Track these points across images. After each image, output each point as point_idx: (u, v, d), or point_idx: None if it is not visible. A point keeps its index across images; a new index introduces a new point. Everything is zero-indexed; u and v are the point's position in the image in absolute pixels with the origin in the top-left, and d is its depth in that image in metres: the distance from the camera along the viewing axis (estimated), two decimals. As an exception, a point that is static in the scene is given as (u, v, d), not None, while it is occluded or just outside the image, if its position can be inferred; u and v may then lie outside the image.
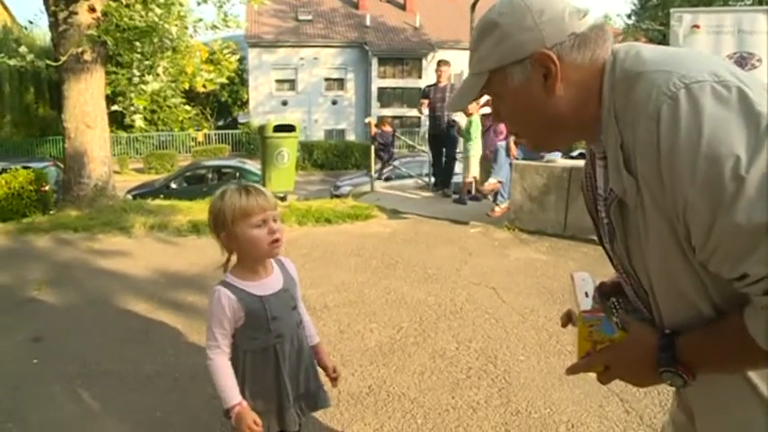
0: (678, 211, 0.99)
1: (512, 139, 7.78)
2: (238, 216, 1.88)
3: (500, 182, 7.42)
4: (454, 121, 8.92)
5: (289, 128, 8.35)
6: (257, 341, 1.96)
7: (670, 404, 1.48)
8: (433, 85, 9.19)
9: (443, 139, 9.22)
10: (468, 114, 8.30)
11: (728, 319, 1.04)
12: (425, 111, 9.16)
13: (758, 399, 1.09)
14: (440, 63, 9.21)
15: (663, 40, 20.60)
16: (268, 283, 1.99)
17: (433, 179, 10.11)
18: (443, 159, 9.46)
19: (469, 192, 8.66)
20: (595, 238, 1.35)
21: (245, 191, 1.92)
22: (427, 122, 9.67)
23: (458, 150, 9.36)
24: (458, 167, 9.66)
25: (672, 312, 1.13)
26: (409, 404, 3.11)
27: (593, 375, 1.34)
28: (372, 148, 11.22)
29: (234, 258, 1.99)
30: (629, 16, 30.03)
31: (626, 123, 1.04)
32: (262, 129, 8.57)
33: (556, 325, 4.12)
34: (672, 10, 7.04)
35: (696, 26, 6.38)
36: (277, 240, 1.91)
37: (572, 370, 1.29)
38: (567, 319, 1.49)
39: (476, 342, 3.87)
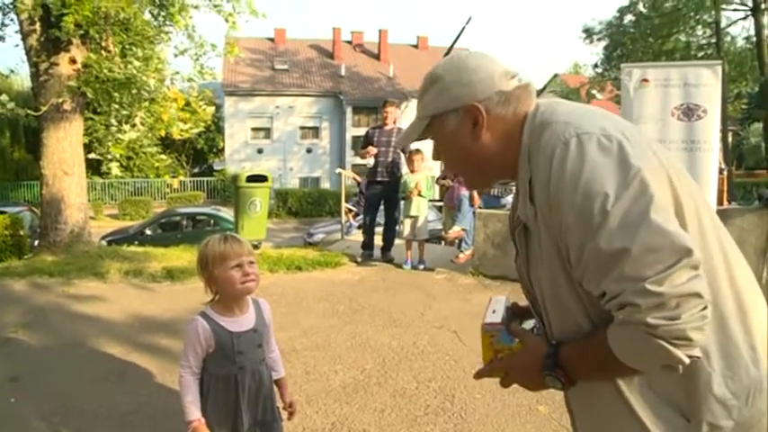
0: (561, 234, 1.21)
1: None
2: (217, 260, 2.23)
3: (464, 229, 7.73)
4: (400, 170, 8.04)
5: (261, 178, 8.63)
6: (222, 369, 2.26)
7: None
8: (378, 127, 8.17)
9: (388, 192, 8.02)
10: (413, 171, 7.87)
11: (598, 333, 1.22)
12: (371, 160, 7.92)
13: (623, 402, 1.27)
14: (386, 104, 8.24)
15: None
16: (241, 322, 2.30)
17: (362, 236, 8.44)
18: (386, 219, 8.22)
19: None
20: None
21: (224, 239, 2.27)
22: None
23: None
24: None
25: (558, 324, 1.35)
26: (369, 439, 3.33)
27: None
28: (342, 198, 11.41)
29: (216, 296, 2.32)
30: (595, 66, 31.35)
31: (535, 163, 1.28)
32: (235, 178, 8.84)
33: (510, 366, 4.39)
34: (622, 65, 7.44)
35: (645, 80, 6.73)
36: (250, 280, 2.23)
37: (477, 375, 1.53)
38: None
39: (435, 382, 4.11)
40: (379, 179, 8.00)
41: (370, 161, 7.92)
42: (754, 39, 21.60)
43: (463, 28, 23.42)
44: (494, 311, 1.56)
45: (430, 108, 1.43)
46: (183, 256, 7.83)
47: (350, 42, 41.88)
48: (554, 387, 1.35)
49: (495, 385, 3.95)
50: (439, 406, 3.75)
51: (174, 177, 18.07)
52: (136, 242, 12.63)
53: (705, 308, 1.11)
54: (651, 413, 1.25)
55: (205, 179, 34.18)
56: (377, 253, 8.26)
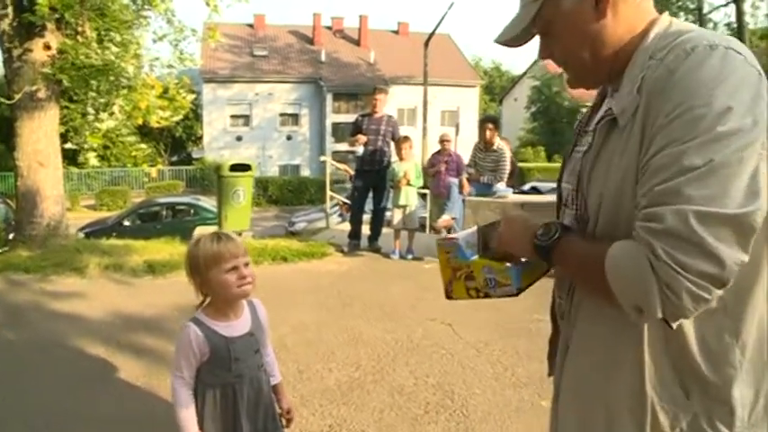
0: (654, 131, 1.07)
1: (464, 176, 8.02)
2: (211, 262, 2.04)
3: (454, 218, 7.61)
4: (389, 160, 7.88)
5: (244, 167, 8.42)
6: (218, 378, 2.08)
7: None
8: (367, 114, 7.96)
9: (376, 180, 7.88)
10: (401, 159, 7.72)
11: (605, 240, 1.11)
12: (360, 148, 7.71)
13: (636, 342, 1.17)
14: (376, 90, 8.04)
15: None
16: (236, 326, 2.12)
17: (350, 227, 8.33)
18: (374, 207, 8.09)
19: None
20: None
21: (216, 238, 2.08)
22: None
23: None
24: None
25: (608, 231, 1.19)
26: (369, 441, 3.18)
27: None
28: (327, 185, 11.28)
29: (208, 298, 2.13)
30: None
31: (656, 58, 1.13)
32: (218, 168, 8.62)
33: (510, 358, 4.29)
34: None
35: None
36: (247, 283, 2.06)
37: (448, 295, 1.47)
38: None
39: (433, 377, 3.97)
40: (367, 168, 7.85)
41: (360, 149, 7.72)
42: (735, 25, 21.68)
43: (445, 13, 23.16)
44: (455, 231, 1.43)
45: None
46: (165, 249, 7.60)
47: (330, 28, 41.52)
48: (537, 254, 1.24)
49: (494, 380, 3.89)
50: (439, 403, 3.61)
51: (152, 166, 17.71)
52: (114, 234, 12.39)
53: (710, 293, 0.98)
54: (654, 368, 1.16)
55: (184, 168, 33.81)
56: (364, 242, 8.12)
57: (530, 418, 3.42)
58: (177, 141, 37.53)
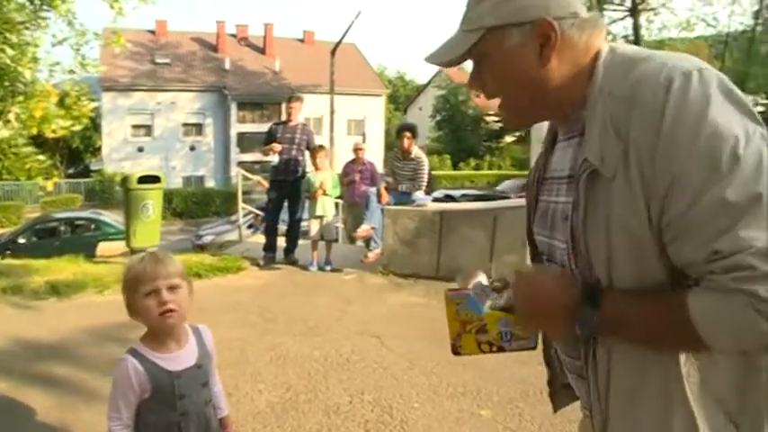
0: (664, 180, 1.01)
1: (382, 185, 7.96)
2: (131, 284, 1.82)
3: (373, 228, 7.52)
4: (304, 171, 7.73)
5: (154, 179, 8.01)
6: (161, 417, 1.85)
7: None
8: (282, 123, 7.88)
9: (291, 190, 7.71)
10: (317, 169, 7.61)
11: (672, 294, 1.04)
12: (275, 158, 7.49)
13: (678, 397, 1.10)
14: (292, 99, 7.94)
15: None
16: (180, 358, 1.88)
17: (265, 239, 8.01)
18: (289, 218, 7.92)
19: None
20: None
21: (141, 258, 1.86)
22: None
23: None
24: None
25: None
26: (309, 466, 3.02)
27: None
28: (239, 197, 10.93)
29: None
30: None
31: (620, 98, 1.07)
32: (125, 180, 8.16)
33: (444, 369, 4.22)
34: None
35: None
36: (166, 310, 1.80)
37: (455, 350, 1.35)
38: None
39: (368, 393, 3.84)
40: (281, 178, 7.65)
41: (274, 158, 7.51)
42: (632, 38, 22.94)
43: (353, 22, 23.17)
44: (472, 283, 1.34)
45: (486, 18, 1.17)
46: (68, 268, 7.09)
47: (234, 36, 40.77)
48: (580, 332, 1.12)
49: (432, 392, 3.80)
50: (378, 420, 3.48)
51: (47, 179, 16.63)
52: (8, 252, 11.56)
53: None
54: (705, 414, 1.09)
55: (82, 181, 32.15)
56: (279, 255, 7.91)
57: (470, 428, 3.36)
58: (74, 153, 35.65)
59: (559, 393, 1.48)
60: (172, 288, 1.81)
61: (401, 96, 62.45)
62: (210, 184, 35.17)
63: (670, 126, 1.00)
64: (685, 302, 1.00)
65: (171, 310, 1.80)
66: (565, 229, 1.20)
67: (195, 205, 28.91)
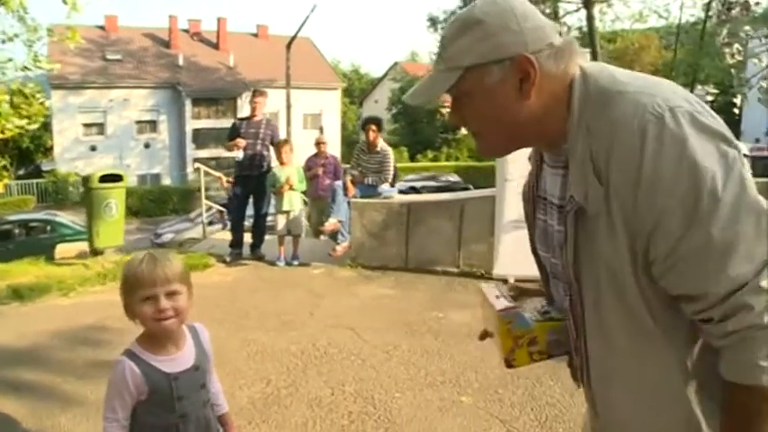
0: (646, 224, 1.06)
1: (348, 178, 7.97)
2: (129, 287, 1.78)
3: (340, 221, 7.52)
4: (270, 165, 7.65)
5: (115, 177, 7.86)
6: (159, 419, 1.82)
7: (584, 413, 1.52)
8: (246, 118, 7.81)
9: (256, 186, 7.64)
10: (282, 164, 7.57)
11: (723, 396, 1.10)
12: (239, 153, 7.43)
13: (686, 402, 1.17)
14: (255, 93, 7.86)
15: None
16: (178, 359, 1.85)
17: (231, 236, 7.99)
18: (255, 214, 7.85)
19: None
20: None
21: (141, 259, 1.79)
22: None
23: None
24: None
25: (615, 322, 1.19)
26: (296, 459, 3.03)
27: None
28: (202, 194, 10.81)
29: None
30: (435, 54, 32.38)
31: (599, 137, 1.10)
32: (86, 180, 7.98)
33: (421, 358, 4.27)
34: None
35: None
36: (164, 318, 1.76)
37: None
38: (486, 333, 1.54)
39: (349, 385, 3.87)
40: (246, 173, 7.61)
41: (239, 154, 7.45)
42: (586, 29, 23.25)
43: (308, 16, 23.03)
44: (497, 297, 1.43)
45: (466, 57, 1.17)
46: (30, 271, 6.92)
47: (187, 31, 39.90)
48: None
49: (411, 381, 3.85)
50: (362, 411, 3.51)
51: (-4, 181, 16.11)
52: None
53: None
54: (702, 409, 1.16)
55: (34, 181, 31.09)
56: (246, 251, 7.86)
57: (453, 415, 3.42)
58: (24, 153, 34.48)
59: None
60: (170, 294, 1.76)
61: (356, 90, 62.29)
62: (167, 181, 34.50)
63: (650, 174, 1.04)
64: (730, 385, 1.07)
65: (168, 317, 1.76)
66: (561, 256, 1.26)
67: (152, 203, 28.34)
